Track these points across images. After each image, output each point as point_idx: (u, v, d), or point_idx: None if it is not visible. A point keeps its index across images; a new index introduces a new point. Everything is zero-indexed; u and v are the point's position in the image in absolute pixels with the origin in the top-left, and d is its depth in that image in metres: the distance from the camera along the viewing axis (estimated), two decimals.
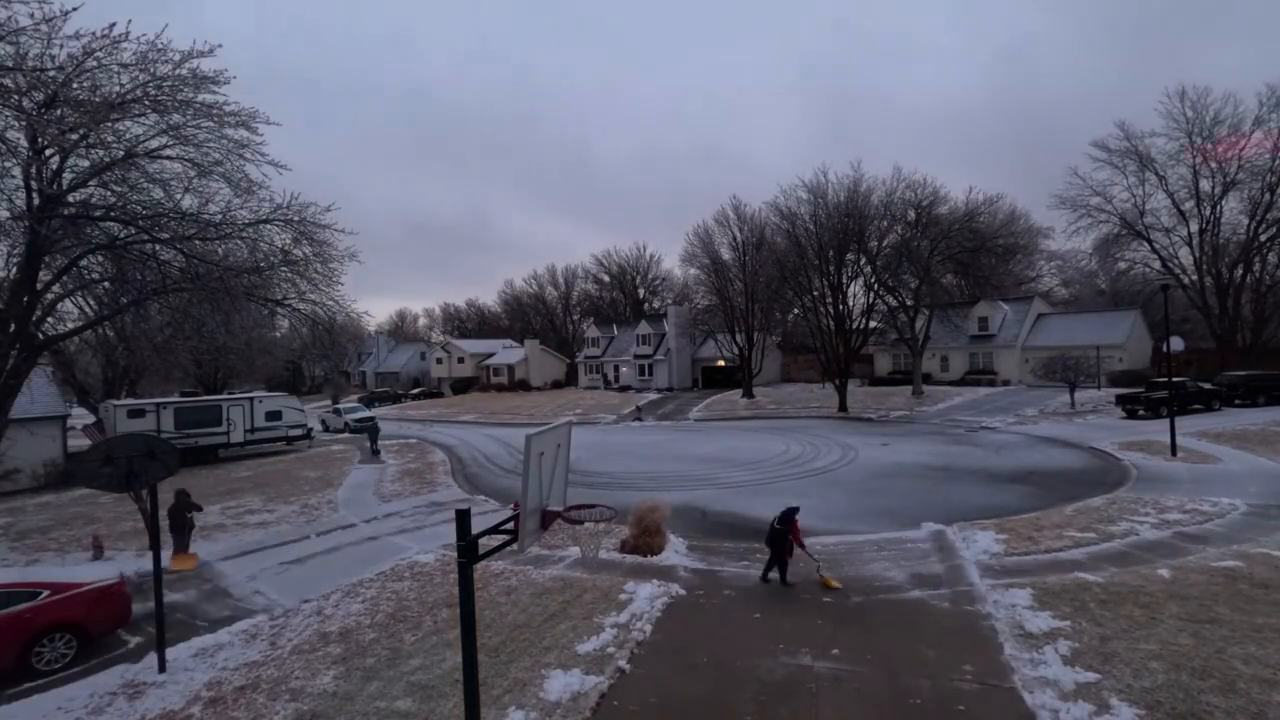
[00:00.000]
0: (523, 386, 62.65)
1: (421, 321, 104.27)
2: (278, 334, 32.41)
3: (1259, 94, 34.92)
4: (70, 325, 18.60)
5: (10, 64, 10.99)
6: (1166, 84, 61.44)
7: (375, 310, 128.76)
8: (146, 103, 12.92)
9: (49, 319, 16.00)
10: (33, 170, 13.09)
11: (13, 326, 13.67)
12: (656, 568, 11.13)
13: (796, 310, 43.46)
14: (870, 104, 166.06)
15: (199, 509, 14.01)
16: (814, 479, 18.71)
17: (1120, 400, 28.30)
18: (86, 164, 13.84)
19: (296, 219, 15.95)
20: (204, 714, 7.20)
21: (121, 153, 13.65)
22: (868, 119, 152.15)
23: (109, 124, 12.95)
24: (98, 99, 12.22)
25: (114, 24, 11.69)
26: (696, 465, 21.91)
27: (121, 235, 14.85)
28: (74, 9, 10.80)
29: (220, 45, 12.85)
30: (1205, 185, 37.90)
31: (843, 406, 35.75)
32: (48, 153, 13.26)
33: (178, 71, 12.92)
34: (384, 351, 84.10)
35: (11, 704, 7.88)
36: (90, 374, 33.84)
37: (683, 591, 9.94)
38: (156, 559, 8.71)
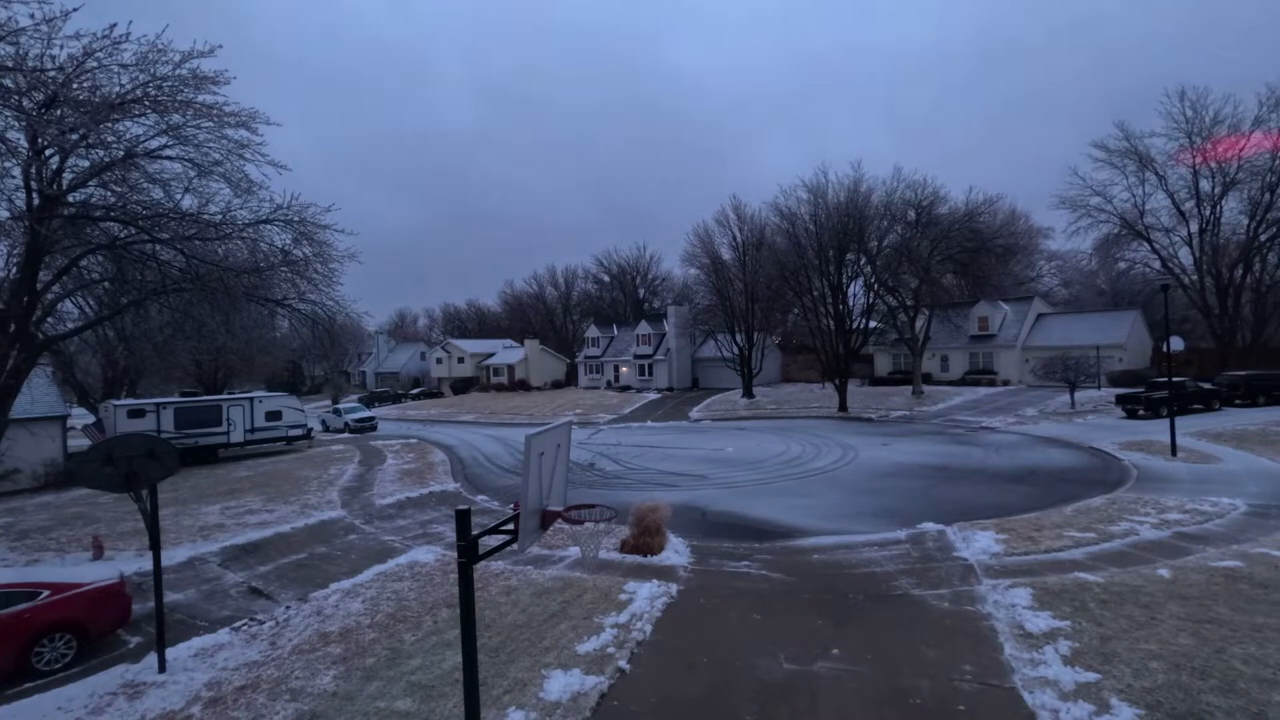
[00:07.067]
0: (523, 386, 62.66)
1: (421, 322, 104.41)
2: (278, 334, 32.39)
3: (1259, 94, 35.02)
4: (70, 325, 18.65)
5: (10, 64, 11.00)
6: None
7: (375, 310, 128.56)
8: (146, 103, 12.95)
9: (49, 319, 16.05)
10: (33, 170, 13.10)
11: (13, 326, 13.68)
12: (656, 568, 11.13)
13: (796, 310, 43.46)
14: None
15: None
16: (814, 479, 18.70)
17: (1120, 400, 28.29)
18: (86, 164, 13.86)
19: (296, 219, 15.99)
20: (204, 714, 7.19)
21: (121, 153, 13.67)
22: None
23: (109, 124, 12.98)
24: (98, 99, 12.24)
25: (114, 24, 11.72)
26: (696, 465, 21.91)
27: (121, 235, 14.86)
28: (74, 9, 10.82)
29: (220, 45, 12.89)
30: (1205, 185, 37.98)
31: (843, 406, 35.77)
32: (48, 153, 13.27)
33: (178, 72, 12.97)
34: (384, 351, 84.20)
35: (11, 704, 7.88)
36: (90, 374, 33.87)
37: (683, 591, 9.94)
38: (157, 559, 8.71)
